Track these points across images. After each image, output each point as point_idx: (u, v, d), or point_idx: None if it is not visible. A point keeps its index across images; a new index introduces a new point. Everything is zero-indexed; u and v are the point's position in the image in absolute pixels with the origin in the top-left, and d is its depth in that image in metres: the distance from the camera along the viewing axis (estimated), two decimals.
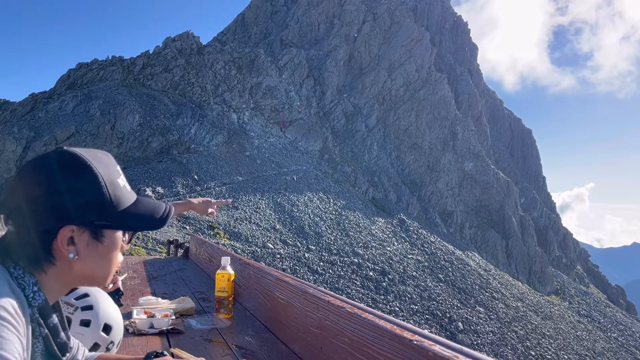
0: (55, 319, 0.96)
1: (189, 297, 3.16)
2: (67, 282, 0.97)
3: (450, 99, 60.44)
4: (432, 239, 41.73)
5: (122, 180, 0.98)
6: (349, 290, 28.98)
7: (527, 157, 76.43)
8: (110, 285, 2.31)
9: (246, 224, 31.67)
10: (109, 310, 1.84)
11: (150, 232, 23.91)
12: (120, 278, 2.47)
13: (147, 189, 31.24)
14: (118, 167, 0.99)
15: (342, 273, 30.70)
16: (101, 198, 0.91)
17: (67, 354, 1.02)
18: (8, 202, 0.91)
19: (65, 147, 0.94)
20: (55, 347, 0.95)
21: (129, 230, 1.00)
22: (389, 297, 30.40)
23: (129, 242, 1.04)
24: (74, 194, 0.89)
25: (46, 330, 0.93)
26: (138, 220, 0.98)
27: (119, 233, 0.98)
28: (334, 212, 38.48)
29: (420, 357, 1.19)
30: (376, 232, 38.19)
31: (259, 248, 29.06)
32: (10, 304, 0.81)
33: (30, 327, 0.88)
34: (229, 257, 2.97)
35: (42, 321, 0.91)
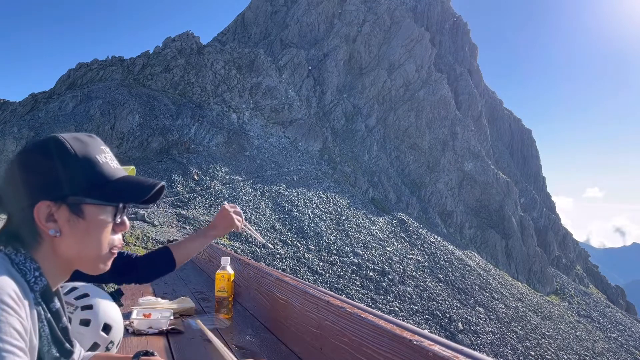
0: (57, 303, 0.98)
1: (189, 297, 3.16)
2: (61, 264, 0.97)
3: (450, 99, 60.43)
4: (432, 239, 41.71)
5: (105, 158, 0.98)
6: (349, 290, 28.97)
7: (527, 157, 76.45)
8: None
9: None
10: (109, 309, 1.84)
11: (149, 230, 23.90)
12: None
13: None
14: (102, 146, 1.01)
15: (342, 273, 30.70)
16: (73, 172, 0.92)
17: (69, 339, 1.03)
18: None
19: (53, 134, 0.97)
20: (58, 331, 0.97)
21: (112, 203, 0.98)
22: (388, 297, 30.39)
23: (121, 219, 1.02)
24: (45, 169, 0.92)
25: (49, 315, 0.94)
26: (120, 192, 0.97)
27: (103, 208, 0.97)
28: (333, 212, 38.47)
29: (420, 357, 1.19)
30: (376, 232, 38.17)
31: (259, 248, 29.05)
32: (11, 287, 0.82)
33: (35, 311, 0.89)
34: (228, 257, 2.97)
35: (44, 305, 0.93)
